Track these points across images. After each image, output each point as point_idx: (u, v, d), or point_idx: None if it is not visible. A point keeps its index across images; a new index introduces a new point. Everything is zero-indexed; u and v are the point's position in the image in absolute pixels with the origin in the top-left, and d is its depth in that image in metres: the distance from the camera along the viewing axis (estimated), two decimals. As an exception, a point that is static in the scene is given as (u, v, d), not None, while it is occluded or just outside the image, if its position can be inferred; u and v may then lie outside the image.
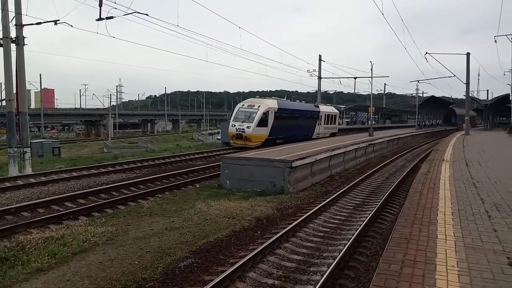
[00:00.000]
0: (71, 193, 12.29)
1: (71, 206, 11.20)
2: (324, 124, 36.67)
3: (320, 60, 51.13)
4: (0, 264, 6.96)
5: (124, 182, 14.28)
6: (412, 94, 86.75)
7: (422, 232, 6.18)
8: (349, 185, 14.38)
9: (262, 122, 25.74)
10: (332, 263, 6.92)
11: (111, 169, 17.23)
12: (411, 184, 11.50)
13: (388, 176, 17.81)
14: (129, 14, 16.35)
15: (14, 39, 16.87)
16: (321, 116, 35.60)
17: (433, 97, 60.84)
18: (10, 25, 16.77)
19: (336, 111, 41.64)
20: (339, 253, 7.40)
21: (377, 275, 4.50)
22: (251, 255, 7.08)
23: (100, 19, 16.04)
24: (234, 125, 26.18)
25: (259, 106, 26.20)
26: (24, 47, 17.06)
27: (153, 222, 9.75)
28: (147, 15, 16.71)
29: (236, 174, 14.28)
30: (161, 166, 18.97)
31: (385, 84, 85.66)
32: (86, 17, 19.79)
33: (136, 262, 7.13)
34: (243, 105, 27.43)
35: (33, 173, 15.69)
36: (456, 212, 7.42)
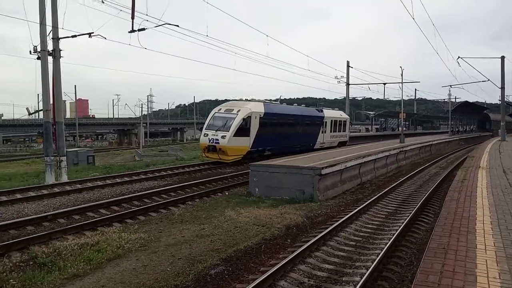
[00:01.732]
0: (105, 200, 12.61)
1: (106, 213, 11.49)
2: (331, 131, 32.07)
3: (348, 66, 50.63)
4: (39, 269, 7.20)
5: (156, 190, 14.53)
6: (444, 99, 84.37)
7: (460, 241, 5.96)
8: (381, 193, 14.07)
9: (242, 131, 21.25)
10: (365, 273, 6.76)
11: (143, 176, 17.58)
12: (446, 192, 11.14)
13: (421, 184, 17.32)
14: (160, 25, 16.77)
15: (51, 52, 17.59)
16: (325, 122, 30.93)
17: (466, 102, 58.90)
18: (47, 38, 17.53)
19: (346, 116, 36.73)
20: (372, 263, 7.23)
21: (414, 286, 4.36)
22: (282, 264, 7.03)
23: (132, 31, 16.52)
24: (207, 135, 21.66)
25: (238, 111, 21.58)
26: (60, 59, 17.79)
27: (184, 229, 9.85)
28: (177, 26, 17.08)
29: (265, 182, 14.27)
30: (191, 173, 19.20)
31: (416, 89, 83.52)
32: (119, 29, 20.44)
33: (168, 269, 7.21)
34: (220, 109, 22.81)
35: (68, 180, 16.21)
36: (495, 221, 7.12)
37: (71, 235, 9.28)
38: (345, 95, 52.43)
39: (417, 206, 11.77)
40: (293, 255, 7.47)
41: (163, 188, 14.83)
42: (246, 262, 7.76)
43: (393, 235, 9.00)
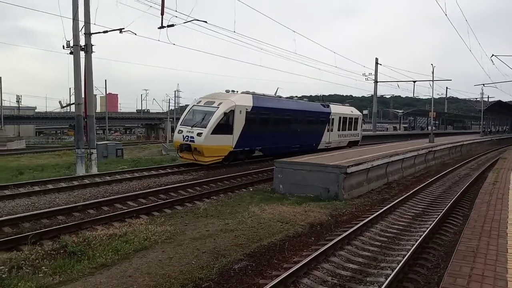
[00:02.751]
0: (133, 193, 12.92)
1: (133, 205, 11.77)
2: (339, 130, 28.84)
3: (376, 63, 49.78)
4: (69, 258, 7.45)
5: (182, 184, 14.77)
6: (476, 98, 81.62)
7: (490, 245, 5.79)
8: (408, 193, 13.80)
9: (223, 127, 18.51)
10: (390, 274, 6.67)
11: (169, 170, 17.88)
12: (477, 194, 10.83)
13: (450, 185, 16.88)
14: (188, 21, 16.94)
15: (83, 47, 18.08)
16: (332, 119, 27.69)
17: (499, 102, 56.84)
18: (80, 34, 18.02)
19: (358, 113, 33.03)
20: (398, 264, 7.12)
21: (441, 289, 4.28)
22: (305, 261, 7.02)
23: (161, 27, 16.76)
24: (181, 131, 18.95)
25: (220, 104, 18.79)
26: (91, 54, 18.27)
27: (208, 223, 9.97)
28: (205, 22, 17.20)
29: (289, 179, 14.24)
30: (216, 168, 19.38)
31: (447, 88, 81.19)
32: (148, 25, 20.78)
33: (193, 262, 7.32)
34: (199, 101, 20.02)
35: (98, 173, 16.67)
36: (529, 226, 6.87)
37: (100, 225, 9.56)
38: (372, 93, 51.64)
39: (446, 208, 11.48)
40: (317, 253, 7.45)
41: (189, 183, 15.05)
42: (269, 258, 7.79)
43: (420, 236, 8.83)
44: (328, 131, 27.38)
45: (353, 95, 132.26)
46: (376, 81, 50.12)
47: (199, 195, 13.40)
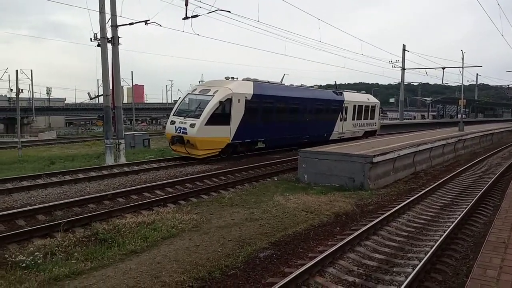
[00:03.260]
0: (160, 182, 13.19)
1: (160, 194, 12.02)
2: (353, 119, 27.08)
3: (404, 50, 48.59)
4: (100, 245, 7.72)
5: (207, 173, 14.95)
6: (508, 85, 78.51)
7: (523, 237, 5.61)
8: (436, 183, 13.52)
9: (219, 118, 17.17)
10: (417, 265, 6.59)
11: (195, 160, 18.11)
12: (508, 184, 10.49)
13: (480, 175, 16.41)
14: (212, 11, 16.95)
15: (110, 39, 18.41)
16: (345, 107, 25.86)
17: (535, 88, 54.39)
18: (107, 26, 18.34)
19: (375, 100, 30.82)
20: (426, 255, 7.02)
21: (471, 280, 4.20)
22: (331, 251, 7.02)
23: (186, 17, 16.85)
24: (174, 122, 17.63)
25: (215, 91, 17.39)
26: (118, 46, 18.58)
27: (234, 212, 10.09)
28: (229, 11, 17.18)
29: (314, 168, 14.18)
30: (241, 158, 19.49)
31: (477, 74, 78.39)
32: (173, 16, 20.92)
33: (219, 250, 7.45)
34: (195, 89, 19.00)
35: (126, 162, 17.07)
36: None
37: (129, 213, 9.83)
38: (399, 80, 50.53)
39: (476, 198, 11.20)
40: (342, 243, 7.43)
41: (214, 172, 15.22)
42: (294, 247, 7.83)
43: (449, 227, 8.66)
44: (341, 120, 25.70)
45: (379, 83, 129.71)
46: (403, 68, 48.95)
47: (224, 184, 13.55)
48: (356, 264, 7.00)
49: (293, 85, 23.39)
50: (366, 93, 32.36)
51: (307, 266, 6.32)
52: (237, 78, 19.48)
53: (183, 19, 17.03)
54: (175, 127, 17.39)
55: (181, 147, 17.37)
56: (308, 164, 14.38)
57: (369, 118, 29.24)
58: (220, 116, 17.22)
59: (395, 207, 10.28)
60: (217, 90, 17.43)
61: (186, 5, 16.56)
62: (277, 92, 20.77)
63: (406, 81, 54.52)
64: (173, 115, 18.19)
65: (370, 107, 29.23)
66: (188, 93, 19.08)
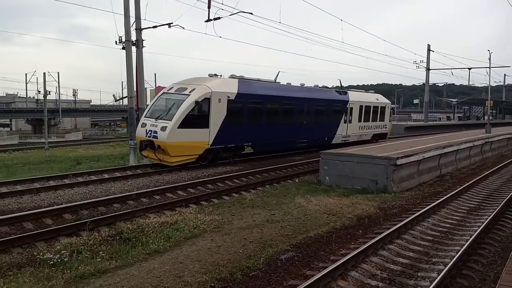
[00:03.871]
0: (183, 183, 13.33)
1: (183, 195, 12.16)
2: (360, 121, 25.12)
3: (428, 50, 47.68)
4: (124, 244, 7.87)
5: (228, 175, 15.02)
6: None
7: (555, 243, 5.42)
8: (462, 187, 13.19)
9: (195, 119, 15.34)
10: (443, 270, 6.44)
11: (217, 162, 18.21)
12: (540, 188, 10.13)
13: (508, 178, 15.93)
14: (234, 14, 17.05)
15: (134, 42, 18.77)
16: (350, 108, 23.98)
17: None
18: (131, 29, 18.71)
19: (385, 101, 28.57)
20: (451, 260, 6.86)
21: (500, 286, 4.08)
22: (353, 254, 6.94)
23: (208, 20, 17.01)
24: (145, 124, 15.87)
25: (192, 90, 15.60)
26: (142, 49, 18.92)
27: (255, 213, 10.11)
28: (251, 13, 17.24)
29: (335, 170, 14.06)
30: (262, 160, 19.50)
31: (505, 75, 75.97)
32: (195, 19, 21.16)
33: (240, 251, 7.48)
34: (171, 88, 16.90)
35: (149, 163, 17.34)
36: None
37: (153, 213, 9.97)
38: (424, 81, 49.58)
39: (504, 202, 10.87)
40: (365, 246, 7.34)
41: (235, 173, 15.28)
42: (316, 249, 7.78)
43: (475, 231, 8.44)
44: (345, 122, 23.70)
45: (403, 84, 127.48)
46: (428, 69, 48.06)
47: (245, 185, 13.60)
48: (379, 268, 6.90)
49: (290, 83, 21.43)
50: (376, 92, 30.16)
51: (329, 269, 6.27)
52: (220, 76, 17.72)
53: (205, 21, 17.20)
54: (146, 130, 15.55)
55: (152, 153, 15.48)
56: (329, 166, 14.26)
57: (378, 120, 27.16)
58: (197, 117, 15.37)
59: (419, 210, 10.08)
60: (194, 89, 15.61)
61: (209, 7, 16.70)
62: (267, 91, 18.80)
63: (431, 81, 53.43)
64: (144, 116, 16.39)
65: (379, 107, 27.19)
66: (164, 92, 17.28)
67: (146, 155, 15.97)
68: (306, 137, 21.03)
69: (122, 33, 18.51)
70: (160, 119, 15.39)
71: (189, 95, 15.38)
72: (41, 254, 7.15)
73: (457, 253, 7.20)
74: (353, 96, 24.75)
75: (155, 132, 15.10)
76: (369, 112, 25.99)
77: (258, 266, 6.86)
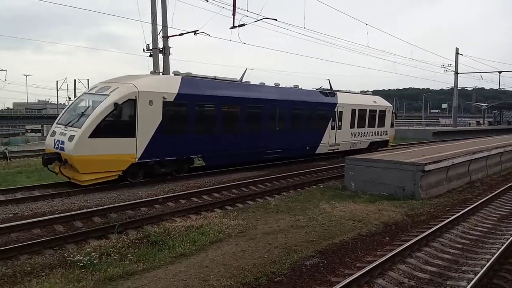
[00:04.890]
0: (208, 187, 13.47)
1: (208, 199, 12.30)
2: (352, 126, 22.17)
3: (456, 53, 46.62)
4: (151, 247, 8.04)
5: (252, 180, 15.07)
6: None
7: None
8: (493, 193, 12.80)
9: (115, 126, 12.54)
10: (473, 279, 6.27)
11: (241, 167, 18.31)
12: None
13: (544, 185, 15.29)
14: (259, 20, 17.20)
15: (161, 49, 19.20)
16: (339, 112, 21.07)
17: None
18: (158, 37, 19.15)
19: (385, 104, 25.41)
20: (482, 268, 6.66)
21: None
22: (380, 261, 6.84)
23: (233, 27, 17.22)
24: (54, 133, 13.00)
25: (115, 89, 12.81)
26: (169, 56, 19.32)
27: (279, 219, 10.10)
28: (275, 19, 17.34)
29: (361, 176, 13.88)
30: (286, 165, 19.47)
31: (539, 77, 73.21)
32: (220, 26, 21.43)
33: (265, 256, 7.49)
34: (95, 87, 14.06)
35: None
36: None
37: (179, 217, 10.13)
38: (452, 85, 48.43)
39: (539, 210, 10.46)
40: (392, 253, 7.22)
41: (260, 178, 15.31)
42: (341, 256, 7.71)
43: (507, 239, 8.17)
44: (333, 128, 20.83)
45: (430, 88, 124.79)
46: (456, 73, 46.97)
47: (269, 190, 13.62)
48: (406, 276, 6.77)
49: (264, 83, 18.60)
50: (369, 93, 27.21)
51: (355, 276, 6.21)
52: (159, 73, 15.23)
53: (230, 28, 17.44)
54: (54, 140, 12.71)
55: (62, 167, 12.46)
56: (355, 172, 14.10)
57: (376, 125, 24.01)
58: (117, 124, 12.53)
59: (448, 217, 9.83)
60: (118, 88, 12.82)
61: (234, 14, 16.94)
62: (223, 92, 15.77)
63: (460, 85, 52.17)
64: (56, 122, 13.52)
65: (377, 111, 24.03)
66: (85, 92, 14.74)
67: (57, 172, 12.77)
68: (280, 146, 18.11)
69: (149, 41, 18.99)
70: (71, 126, 12.52)
71: (108, 95, 12.56)
72: (72, 256, 7.38)
73: (487, 261, 6.99)
74: (343, 98, 21.80)
75: (62, 142, 12.19)
76: (365, 117, 23.06)
77: (283, 272, 6.85)
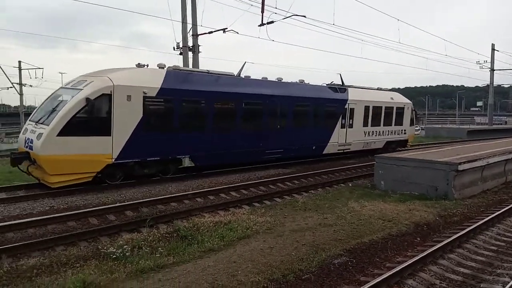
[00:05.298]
0: (236, 184, 13.57)
1: (236, 196, 12.40)
2: (365, 125, 20.87)
3: (492, 49, 44.94)
4: (181, 241, 8.20)
5: (280, 177, 15.07)
6: None
7: None
8: (532, 195, 12.26)
9: (88, 124, 11.56)
10: (508, 282, 6.06)
11: (268, 164, 18.34)
12: None
13: None
14: (287, 17, 17.13)
15: (191, 47, 19.42)
16: (350, 109, 19.86)
17: None
18: (188, 35, 19.38)
19: (403, 100, 23.93)
20: (519, 272, 6.42)
21: None
22: (410, 262, 6.71)
23: (262, 24, 17.22)
24: (26, 130, 12.28)
25: (89, 83, 11.90)
26: (199, 54, 19.53)
27: (307, 216, 10.07)
28: (304, 16, 17.23)
29: (391, 175, 13.63)
30: (314, 163, 19.35)
31: None
32: (248, 23, 21.48)
33: (292, 253, 7.49)
34: (72, 81, 13.08)
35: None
36: None
37: (207, 213, 10.27)
38: (488, 82, 46.69)
39: None
40: (423, 254, 7.07)
41: (287, 176, 15.30)
42: (370, 256, 7.61)
43: (547, 244, 7.82)
44: (343, 127, 19.56)
45: (465, 85, 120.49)
46: (492, 70, 45.28)
47: (297, 188, 13.58)
48: (438, 278, 6.62)
49: (267, 78, 17.43)
50: (387, 89, 25.05)
51: (384, 276, 6.12)
52: (146, 65, 13.67)
53: (258, 25, 17.43)
54: (25, 138, 11.93)
55: (32, 169, 11.78)
56: (385, 171, 13.85)
57: (393, 123, 22.51)
58: (90, 121, 11.57)
59: (483, 219, 9.53)
60: (93, 81, 11.94)
61: (262, 12, 16.93)
62: (214, 87, 14.65)
63: (496, 83, 50.15)
64: (29, 119, 12.75)
65: (394, 109, 22.51)
66: (61, 86, 13.64)
67: (30, 172, 11.92)
68: (281, 146, 16.95)
69: (179, 39, 19.24)
70: (41, 123, 11.69)
71: (81, 89, 11.72)
72: (105, 248, 7.62)
73: (526, 265, 6.73)
74: (355, 94, 20.33)
75: (32, 141, 11.40)
76: (380, 115, 21.57)
77: (311, 270, 6.83)
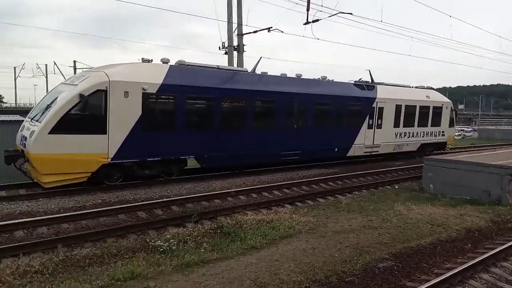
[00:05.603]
0: (278, 183, 13.60)
1: (278, 195, 12.43)
2: (397, 125, 19.49)
3: (557, 46, 41.79)
4: (224, 238, 8.37)
5: (323, 177, 14.93)
6: None
7: None
8: None
9: (81, 121, 11.08)
10: None
11: (311, 164, 18.20)
12: None
13: None
14: (333, 15, 16.91)
15: (236, 47, 19.66)
16: (378, 108, 18.55)
17: None
18: (233, 35, 19.63)
19: (442, 99, 22.32)
20: None
21: None
22: (460, 269, 6.45)
23: (307, 22, 17.11)
24: (23, 127, 12.05)
25: (86, 79, 11.52)
26: (243, 53, 19.74)
27: (351, 218, 9.92)
28: (351, 14, 16.92)
29: (441, 178, 13.11)
30: (358, 163, 18.97)
31: None
32: (293, 22, 21.39)
33: (336, 255, 7.41)
34: (73, 76, 13.33)
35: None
36: None
37: (250, 211, 10.39)
38: (550, 81, 43.58)
39: None
40: (474, 261, 6.77)
41: (330, 176, 15.12)
42: (417, 261, 7.39)
43: None
44: (370, 127, 18.33)
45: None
46: (556, 67, 42.17)
47: (340, 189, 13.40)
48: (489, 286, 6.31)
49: (286, 75, 16.49)
50: (424, 87, 22.95)
51: (432, 283, 5.93)
52: (150, 60, 12.95)
53: (304, 24, 17.33)
54: (21, 135, 11.64)
55: (28, 168, 11.36)
56: (434, 173, 13.34)
57: (429, 124, 20.95)
58: (84, 118, 11.08)
59: (541, 227, 8.94)
60: (88, 78, 11.52)
61: (308, 10, 16.81)
62: (225, 83, 13.84)
63: (560, 81, 46.70)
64: (27, 116, 12.56)
65: (431, 108, 20.87)
66: (62, 82, 13.44)
67: (25, 171, 11.55)
68: (298, 148, 15.93)
69: (225, 39, 19.54)
70: (36, 120, 11.36)
71: (76, 85, 11.32)
72: (153, 241, 7.91)
73: None
74: (384, 92, 19.01)
75: (25, 138, 11.08)
76: (414, 114, 20.15)
77: (354, 272, 6.74)
